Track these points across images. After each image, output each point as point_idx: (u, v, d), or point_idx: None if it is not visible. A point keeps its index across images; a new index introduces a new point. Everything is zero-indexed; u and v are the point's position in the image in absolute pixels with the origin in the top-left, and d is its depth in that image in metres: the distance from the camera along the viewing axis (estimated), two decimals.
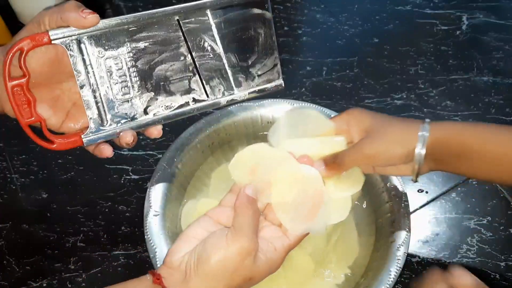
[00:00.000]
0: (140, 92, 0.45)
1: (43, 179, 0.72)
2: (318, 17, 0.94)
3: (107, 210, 0.68)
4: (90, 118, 0.43)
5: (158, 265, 0.52)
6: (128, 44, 0.43)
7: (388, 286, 0.51)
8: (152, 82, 0.45)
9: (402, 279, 0.62)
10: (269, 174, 0.45)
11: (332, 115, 0.58)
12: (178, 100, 0.46)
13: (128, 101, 0.45)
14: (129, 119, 0.45)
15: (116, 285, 0.41)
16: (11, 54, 0.40)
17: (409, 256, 0.63)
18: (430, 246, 0.65)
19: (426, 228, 0.67)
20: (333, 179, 0.48)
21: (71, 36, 0.41)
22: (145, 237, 0.54)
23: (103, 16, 0.41)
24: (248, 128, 0.66)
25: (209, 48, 0.46)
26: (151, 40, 0.44)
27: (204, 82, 0.47)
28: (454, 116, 0.80)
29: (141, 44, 0.44)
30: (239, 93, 0.49)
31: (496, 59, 0.87)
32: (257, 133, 0.66)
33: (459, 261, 0.64)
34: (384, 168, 0.49)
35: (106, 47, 0.43)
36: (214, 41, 0.46)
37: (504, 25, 0.92)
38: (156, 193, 0.57)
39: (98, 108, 0.43)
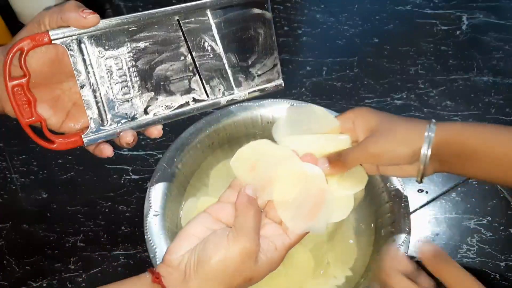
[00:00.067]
0: (140, 92, 0.45)
1: (43, 179, 0.72)
2: (318, 17, 0.94)
3: (107, 210, 0.68)
4: (91, 118, 0.43)
5: None
6: (128, 44, 0.43)
7: None
8: (152, 82, 0.45)
9: None
10: (270, 171, 0.45)
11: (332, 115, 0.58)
12: (178, 100, 0.46)
13: (128, 101, 0.44)
14: (129, 119, 0.45)
15: (115, 283, 0.41)
16: (12, 54, 0.39)
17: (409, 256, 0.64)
18: None
19: (426, 228, 0.67)
20: (336, 177, 0.47)
21: (71, 36, 0.41)
22: (145, 237, 0.54)
23: (103, 16, 0.41)
24: (248, 128, 0.66)
25: (209, 48, 0.46)
26: (151, 40, 0.44)
27: (204, 82, 0.47)
28: (454, 116, 0.79)
29: (141, 44, 0.44)
30: (239, 93, 0.49)
31: (496, 59, 0.87)
32: (257, 133, 0.66)
33: (459, 261, 0.64)
34: (388, 168, 0.49)
35: (106, 47, 0.43)
36: (214, 41, 0.46)
37: (504, 25, 0.92)
38: (156, 193, 0.57)
39: (98, 108, 0.43)
